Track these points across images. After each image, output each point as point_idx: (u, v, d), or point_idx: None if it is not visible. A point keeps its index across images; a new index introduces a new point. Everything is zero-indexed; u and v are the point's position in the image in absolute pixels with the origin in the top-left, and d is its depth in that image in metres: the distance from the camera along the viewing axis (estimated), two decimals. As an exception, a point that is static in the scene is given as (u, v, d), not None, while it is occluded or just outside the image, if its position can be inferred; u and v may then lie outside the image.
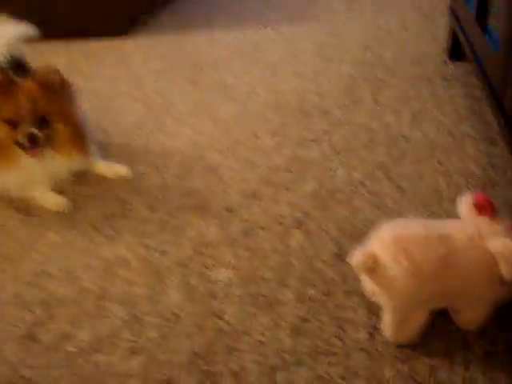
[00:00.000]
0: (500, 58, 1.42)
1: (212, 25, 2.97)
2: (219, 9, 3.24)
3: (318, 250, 1.32)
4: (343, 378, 1.02)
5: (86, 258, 1.37)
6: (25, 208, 1.59)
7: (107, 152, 1.80)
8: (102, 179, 1.68)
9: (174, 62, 2.54)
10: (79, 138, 1.61)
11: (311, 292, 1.21)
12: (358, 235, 1.34)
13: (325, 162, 1.66)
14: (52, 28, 2.65)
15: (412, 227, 1.05)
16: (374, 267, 1.02)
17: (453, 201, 1.38)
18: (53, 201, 1.59)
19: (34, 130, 1.48)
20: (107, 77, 2.47)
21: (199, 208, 1.51)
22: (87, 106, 2.09)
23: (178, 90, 2.25)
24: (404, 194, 1.49)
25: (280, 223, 1.42)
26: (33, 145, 1.50)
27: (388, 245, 1.02)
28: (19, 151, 1.53)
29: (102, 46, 2.82)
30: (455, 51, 2.29)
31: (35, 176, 1.59)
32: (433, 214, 1.40)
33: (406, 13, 2.90)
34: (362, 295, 1.15)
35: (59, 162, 1.60)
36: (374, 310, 1.15)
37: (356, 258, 1.02)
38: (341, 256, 1.30)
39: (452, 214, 1.31)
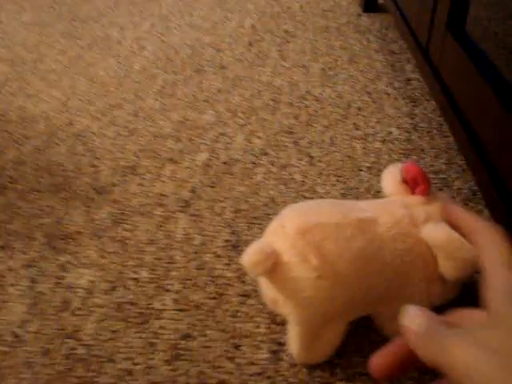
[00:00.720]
0: (426, 3, 1.17)
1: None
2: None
3: (208, 240, 1.04)
4: (235, 420, 0.75)
5: None
6: None
7: None
8: None
9: (51, 15, 2.16)
10: None
11: (197, 297, 0.93)
12: (259, 219, 1.07)
13: (220, 126, 1.37)
14: None
15: (323, 212, 0.78)
16: (273, 268, 0.75)
17: (374, 172, 1.13)
18: None
19: None
20: (-32, 31, 2.06)
21: (60, 188, 1.19)
22: None
23: (51, 46, 1.88)
24: (314, 164, 1.22)
25: (161, 205, 1.12)
26: None
27: (292, 237, 0.76)
28: None
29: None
30: (370, 2, 2.05)
31: None
32: (350, 190, 1.14)
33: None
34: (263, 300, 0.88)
35: None
36: (278, 321, 0.88)
37: (249, 255, 0.75)
38: (236, 247, 1.02)
39: (373, 190, 1.06)
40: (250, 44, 1.81)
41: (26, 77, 1.68)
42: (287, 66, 1.66)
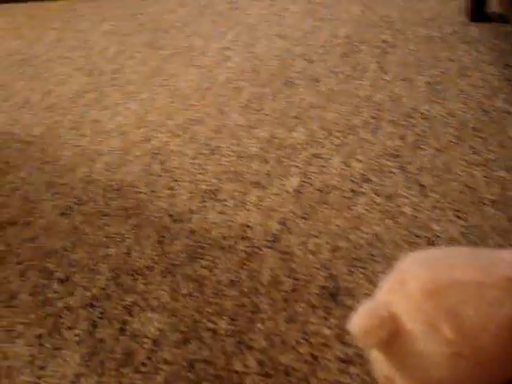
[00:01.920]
0: None
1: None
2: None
3: (300, 285, 0.86)
4: None
5: None
6: None
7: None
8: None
9: (132, 25, 2.05)
10: None
11: (286, 359, 0.75)
12: (361, 261, 0.88)
13: (313, 147, 1.20)
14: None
15: (456, 266, 0.60)
16: (391, 338, 0.56)
17: (500, 208, 0.92)
18: None
19: None
20: (50, 41, 1.98)
21: (131, 213, 1.05)
22: (16, 75, 1.64)
23: (131, 56, 1.77)
24: (426, 195, 1.02)
25: (245, 238, 0.96)
26: None
27: (417, 298, 0.57)
28: None
29: (49, 8, 2.33)
30: (478, 11, 1.82)
31: None
32: (472, 229, 0.94)
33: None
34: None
35: None
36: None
37: (360, 320, 0.57)
38: (335, 295, 0.84)
39: (500, 229, 0.86)
40: (345, 55, 1.63)
41: (103, 88, 1.57)
42: (388, 79, 1.47)
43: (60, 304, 0.88)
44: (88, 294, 0.89)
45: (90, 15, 2.20)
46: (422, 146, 1.18)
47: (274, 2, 2.11)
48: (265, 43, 1.76)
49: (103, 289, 0.89)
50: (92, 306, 0.87)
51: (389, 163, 1.13)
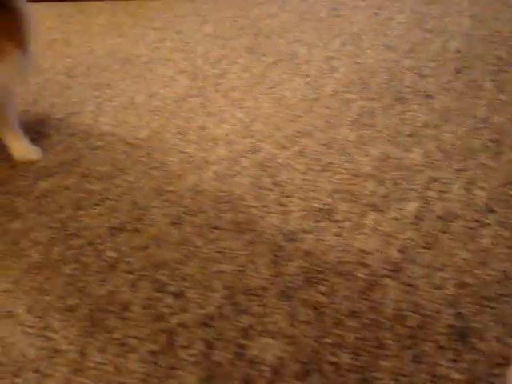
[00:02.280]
0: None
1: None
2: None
3: (426, 321, 0.81)
4: None
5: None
6: None
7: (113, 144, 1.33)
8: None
9: (233, 28, 2.03)
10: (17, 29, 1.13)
11: None
12: (491, 300, 0.82)
13: (431, 169, 1.14)
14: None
15: None
16: None
17: None
18: None
19: None
20: (151, 41, 1.99)
21: (243, 228, 1.02)
22: (120, 74, 1.65)
23: (234, 61, 1.75)
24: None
25: (364, 265, 0.91)
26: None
27: None
28: None
29: (152, 7, 2.35)
30: None
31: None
32: None
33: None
34: None
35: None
36: None
37: None
38: (464, 337, 0.78)
39: None
40: (458, 71, 1.56)
41: (207, 93, 1.56)
42: (506, 99, 1.39)
43: (174, 320, 0.86)
44: (202, 311, 0.87)
45: (190, 16, 2.19)
46: (550, 176, 1.10)
47: (379, 10, 2.04)
48: (371, 54, 1.71)
49: (218, 307, 0.87)
50: (207, 325, 0.84)
51: (517, 193, 1.06)
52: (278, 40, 1.88)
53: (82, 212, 1.13)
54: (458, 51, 1.68)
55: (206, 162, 1.24)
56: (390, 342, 0.79)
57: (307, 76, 1.60)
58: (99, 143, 1.37)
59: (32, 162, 1.32)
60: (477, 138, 1.24)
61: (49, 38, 2.25)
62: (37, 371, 0.82)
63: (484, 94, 1.42)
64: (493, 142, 1.23)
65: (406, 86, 1.49)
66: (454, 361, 0.76)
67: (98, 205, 1.14)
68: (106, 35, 2.19)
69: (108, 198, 1.16)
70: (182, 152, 1.29)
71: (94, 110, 1.55)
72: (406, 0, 2.06)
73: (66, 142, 1.39)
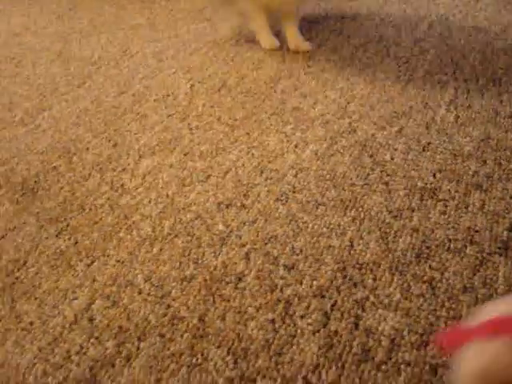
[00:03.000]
0: None
1: None
2: None
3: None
4: None
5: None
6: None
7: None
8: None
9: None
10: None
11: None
12: None
13: (538, 151, 1.13)
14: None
15: None
16: None
17: None
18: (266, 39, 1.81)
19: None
20: (236, 26, 2.03)
21: (349, 205, 1.05)
22: (210, 58, 1.70)
23: (320, 44, 1.76)
24: None
25: (473, 243, 0.92)
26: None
27: None
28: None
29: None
30: None
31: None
32: None
33: None
34: None
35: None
36: None
37: None
38: None
39: None
40: (555, 52, 1.53)
41: (299, 75, 1.58)
42: None
43: (288, 291, 0.89)
44: (316, 283, 0.90)
45: None
46: None
47: (466, -9, 2.02)
48: (461, 35, 1.69)
49: (331, 280, 0.90)
50: (322, 296, 0.87)
51: None
52: (366, 22, 1.89)
53: (187, 188, 1.18)
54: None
55: (304, 141, 1.27)
56: (507, 317, 0.80)
57: (400, 57, 1.60)
58: (197, 123, 1.42)
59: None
60: None
61: (134, 23, 2.32)
62: (161, 336, 0.86)
63: None
64: None
65: (500, 68, 1.48)
66: None
67: (202, 181, 1.19)
68: (190, 20, 2.24)
69: (212, 176, 1.20)
70: (279, 132, 1.32)
71: (187, 91, 1.60)
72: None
73: (165, 122, 1.44)
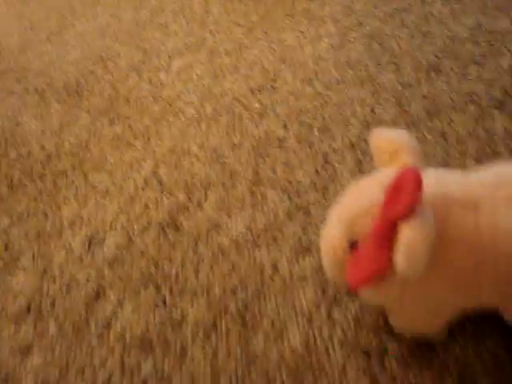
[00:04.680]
0: None
1: None
2: None
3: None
4: None
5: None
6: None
7: None
8: None
9: None
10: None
11: None
12: None
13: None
14: None
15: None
16: None
17: None
18: None
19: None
20: None
21: (366, 81, 1.23)
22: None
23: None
24: None
25: (473, 102, 1.12)
26: None
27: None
28: None
29: None
30: None
31: None
32: None
33: None
34: None
35: None
36: None
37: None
38: None
39: None
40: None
41: None
42: None
43: (325, 146, 1.08)
44: (347, 139, 1.09)
45: None
46: None
47: None
48: None
49: (358, 136, 1.09)
50: (353, 147, 1.06)
51: None
52: None
53: (220, 79, 1.35)
54: None
55: (318, 36, 1.43)
56: (503, 150, 1.00)
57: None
58: (216, 27, 1.57)
59: None
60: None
61: None
62: (223, 185, 1.05)
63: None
64: None
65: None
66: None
67: (232, 73, 1.35)
68: None
69: (240, 68, 1.37)
70: (294, 30, 1.48)
71: (201, 1, 1.74)
72: None
73: (186, 29, 1.59)
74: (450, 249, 0.62)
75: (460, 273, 0.62)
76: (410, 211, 0.57)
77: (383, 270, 0.60)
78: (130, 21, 1.74)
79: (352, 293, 0.80)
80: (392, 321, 0.75)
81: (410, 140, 0.67)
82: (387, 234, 0.59)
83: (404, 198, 0.58)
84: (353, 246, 0.65)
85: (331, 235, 0.66)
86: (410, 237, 0.57)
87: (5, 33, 1.86)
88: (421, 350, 0.75)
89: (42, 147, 1.26)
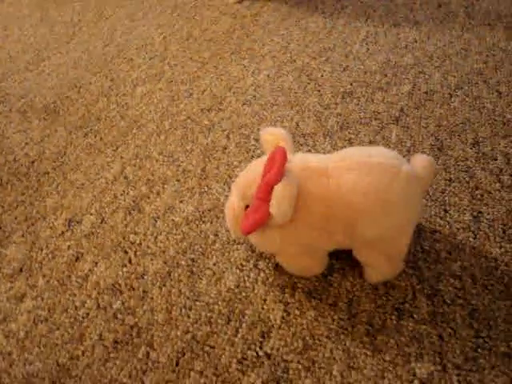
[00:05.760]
0: None
1: None
2: None
3: (416, 142, 1.33)
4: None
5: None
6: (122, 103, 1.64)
7: None
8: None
9: None
10: None
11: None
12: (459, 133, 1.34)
13: (419, 67, 1.65)
14: None
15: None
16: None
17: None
18: None
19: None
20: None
21: (294, 104, 1.53)
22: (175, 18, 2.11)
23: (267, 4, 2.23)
24: (503, 98, 1.47)
25: (377, 118, 1.43)
26: None
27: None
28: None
29: None
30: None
31: None
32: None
33: None
34: (466, 182, 1.15)
35: None
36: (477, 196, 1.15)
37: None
38: (440, 150, 1.30)
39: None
40: (438, 2, 2.05)
41: (249, 27, 2.05)
42: (474, 23, 1.89)
43: (258, 151, 1.37)
44: (276, 146, 1.37)
45: None
46: (500, 69, 1.61)
47: None
48: (372, -4, 2.20)
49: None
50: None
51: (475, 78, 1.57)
52: (297, -12, 2.36)
53: (177, 102, 1.63)
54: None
55: (258, 69, 1.74)
56: (395, 154, 1.30)
57: (324, 12, 2.09)
58: (174, 62, 1.87)
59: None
60: (451, 48, 1.74)
61: None
62: (177, 180, 1.32)
63: (456, 19, 1.92)
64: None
65: (400, 17, 1.99)
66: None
67: (187, 97, 1.64)
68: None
69: (193, 93, 1.66)
70: (239, 64, 1.79)
71: (161, 41, 2.04)
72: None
73: (149, 62, 1.89)
74: (309, 201, 0.91)
75: (316, 218, 0.91)
76: (279, 176, 0.87)
77: (264, 218, 0.89)
78: (100, 55, 2.02)
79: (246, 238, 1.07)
80: (279, 262, 1.03)
81: (286, 134, 0.98)
82: (266, 193, 0.88)
83: (275, 168, 0.88)
84: (246, 207, 0.94)
85: (231, 200, 0.96)
86: (279, 192, 0.86)
87: (-13, 64, 2.12)
88: (321, 284, 1.03)
89: (26, 154, 1.51)
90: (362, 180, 0.89)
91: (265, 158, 0.95)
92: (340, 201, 0.89)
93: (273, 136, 0.98)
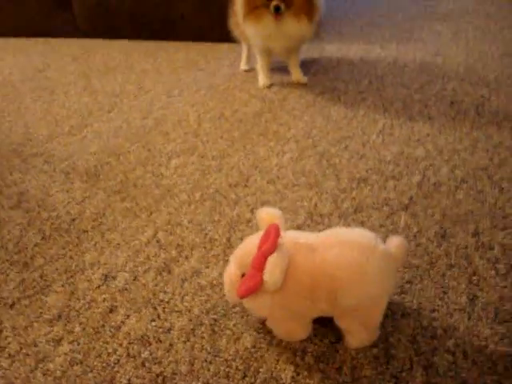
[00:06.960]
0: None
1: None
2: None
3: (422, 229, 1.47)
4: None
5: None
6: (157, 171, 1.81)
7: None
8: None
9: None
10: (311, 9, 2.32)
11: (416, 261, 1.36)
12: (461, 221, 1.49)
13: (427, 161, 1.81)
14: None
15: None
16: None
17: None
18: (262, 78, 2.57)
19: (280, 3, 2.24)
20: (226, 75, 2.70)
21: (313, 186, 1.69)
22: (210, 95, 2.33)
23: (291, 91, 2.44)
24: (504, 193, 1.62)
25: (388, 205, 1.58)
26: (277, 12, 2.25)
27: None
28: (267, 13, 2.30)
29: (219, 48, 3.07)
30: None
31: (273, 32, 2.34)
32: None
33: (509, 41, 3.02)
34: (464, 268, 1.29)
35: (291, 25, 2.32)
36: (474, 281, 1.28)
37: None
38: (444, 235, 1.44)
39: None
40: (451, 102, 2.24)
41: (276, 111, 2.24)
42: (483, 121, 2.07)
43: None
44: (295, 224, 1.53)
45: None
46: (504, 165, 1.77)
47: (394, 58, 2.74)
48: (391, 89, 2.40)
49: (304, 222, 1.53)
50: (299, 229, 1.50)
51: (480, 173, 1.72)
52: (322, 77, 2.58)
53: (207, 176, 1.80)
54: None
55: (283, 151, 1.92)
56: (402, 238, 1.45)
57: (346, 103, 2.29)
58: (206, 138, 2.05)
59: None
60: (460, 145, 1.91)
61: (142, 67, 2.96)
62: (204, 247, 1.47)
63: (467, 118, 2.10)
64: (470, 147, 1.90)
65: (415, 111, 2.17)
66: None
67: (216, 172, 1.81)
68: (187, 68, 2.90)
69: (222, 169, 1.83)
70: (265, 146, 1.96)
71: (195, 118, 2.24)
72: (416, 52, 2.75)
73: (183, 137, 2.07)
74: (297, 272, 1.06)
75: (303, 287, 1.06)
76: (273, 248, 1.03)
77: (258, 285, 1.04)
78: (139, 126, 2.22)
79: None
80: (269, 326, 1.17)
81: (279, 213, 1.15)
82: (261, 263, 1.04)
83: (270, 241, 1.04)
84: (243, 275, 1.09)
85: (229, 269, 1.13)
86: (273, 262, 1.02)
87: (34, 125, 2.32)
88: (329, 350, 1.15)
89: (68, 212, 1.68)
90: (343, 255, 1.04)
91: (260, 233, 1.11)
92: (324, 273, 1.05)
93: (268, 215, 1.14)
